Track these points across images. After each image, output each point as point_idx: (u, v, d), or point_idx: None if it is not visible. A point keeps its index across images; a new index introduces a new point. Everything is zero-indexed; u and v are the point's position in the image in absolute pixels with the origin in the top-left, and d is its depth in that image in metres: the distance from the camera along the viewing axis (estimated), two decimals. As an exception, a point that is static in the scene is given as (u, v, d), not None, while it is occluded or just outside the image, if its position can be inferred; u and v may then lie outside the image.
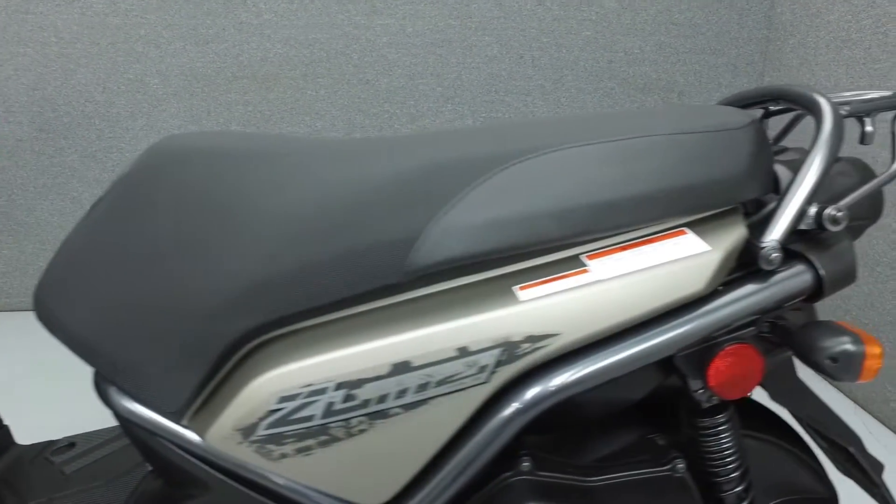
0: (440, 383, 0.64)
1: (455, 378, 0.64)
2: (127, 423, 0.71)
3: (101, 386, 0.71)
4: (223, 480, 0.71)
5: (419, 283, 0.67)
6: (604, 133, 0.68)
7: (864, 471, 0.87)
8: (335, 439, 0.65)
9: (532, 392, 0.66)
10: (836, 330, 0.68)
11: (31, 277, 2.51)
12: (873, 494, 0.92)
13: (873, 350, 0.66)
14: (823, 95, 0.74)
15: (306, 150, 0.68)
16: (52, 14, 2.24)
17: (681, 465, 0.78)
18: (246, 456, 0.65)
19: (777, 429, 0.91)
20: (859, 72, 1.94)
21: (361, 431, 0.65)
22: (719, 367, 0.69)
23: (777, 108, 0.88)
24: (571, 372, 0.66)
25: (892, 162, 0.73)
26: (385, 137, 0.72)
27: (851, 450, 0.86)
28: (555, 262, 0.68)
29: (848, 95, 0.80)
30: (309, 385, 0.63)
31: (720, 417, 0.77)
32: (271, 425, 0.64)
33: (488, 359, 0.64)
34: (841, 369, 0.67)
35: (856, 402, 2.01)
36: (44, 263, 2.49)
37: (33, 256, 2.50)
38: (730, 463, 0.78)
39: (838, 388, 2.09)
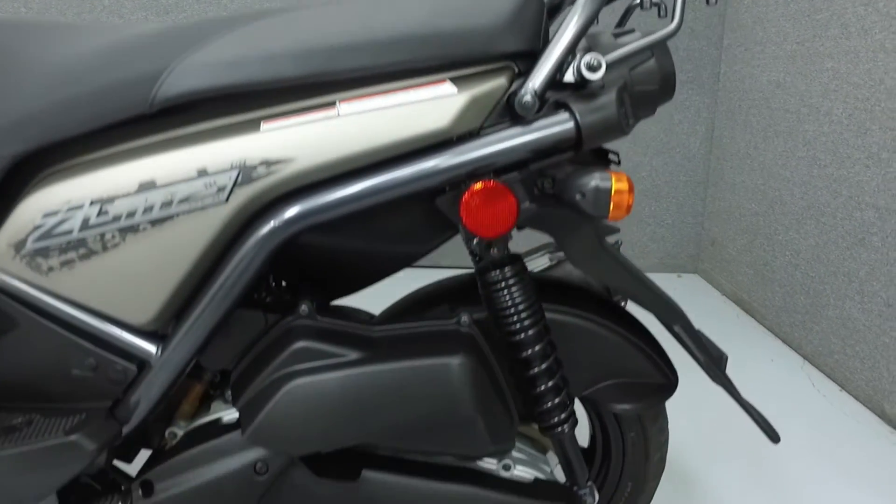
0: (182, 201, 0.72)
1: (196, 197, 0.72)
2: None
3: None
4: (25, 313, 0.79)
5: (175, 122, 0.74)
6: None
7: (691, 350, 0.88)
8: (92, 252, 0.74)
9: (278, 218, 0.73)
10: (590, 168, 0.72)
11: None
12: (720, 382, 0.93)
13: (621, 185, 0.70)
14: None
15: (88, 25, 0.78)
16: (15, -17, 2.29)
17: (465, 319, 0.80)
18: (21, 271, 0.75)
19: (618, 318, 0.92)
20: (804, 24, 1.93)
21: (115, 245, 0.73)
22: (469, 203, 0.72)
23: None
24: (317, 198, 0.72)
25: (669, 24, 0.75)
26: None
27: (676, 328, 0.87)
28: (309, 106, 0.73)
29: None
30: (68, 202, 0.72)
31: (508, 270, 0.79)
32: (37, 239, 0.73)
33: (225, 180, 0.71)
34: (591, 203, 0.70)
35: (804, 357, 1.99)
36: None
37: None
38: (522, 320, 0.80)
39: (788, 344, 2.08)
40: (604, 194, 0.70)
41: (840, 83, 1.77)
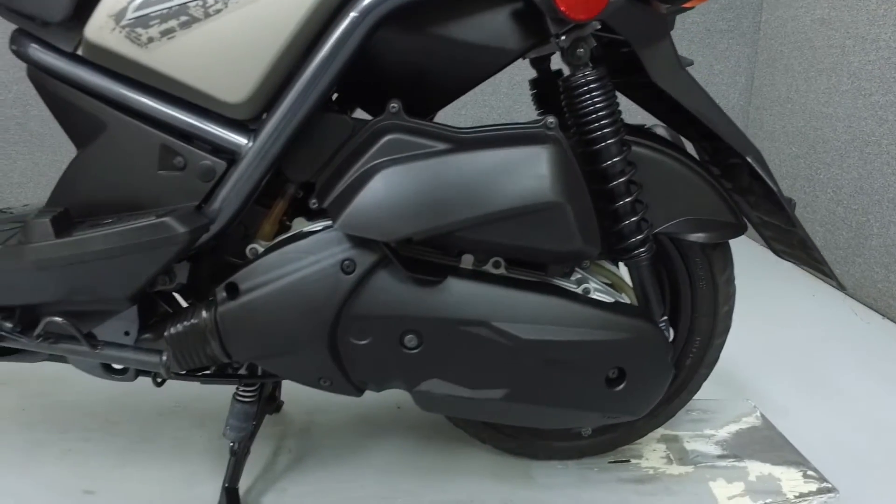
0: None
1: None
2: (35, 73, 0.82)
3: (17, 39, 0.82)
4: (114, 114, 0.81)
5: None
6: None
7: (768, 187, 0.88)
8: (194, 19, 0.75)
9: None
10: None
11: (44, 189, 2.58)
12: (786, 235, 0.95)
13: None
14: None
15: None
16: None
17: (551, 121, 0.81)
18: (120, 45, 0.76)
19: (694, 161, 0.94)
20: (852, -44, 1.93)
21: (217, 12, 0.75)
22: None
23: None
24: None
25: None
26: None
27: (749, 158, 0.88)
28: None
29: None
30: None
31: (591, 74, 0.82)
32: (137, 8, 0.75)
33: None
34: None
35: (845, 293, 1.98)
36: (57, 174, 2.54)
37: (47, 167, 2.55)
38: (603, 127, 0.82)
39: (826, 282, 2.06)
40: None
41: (889, 6, 1.77)
